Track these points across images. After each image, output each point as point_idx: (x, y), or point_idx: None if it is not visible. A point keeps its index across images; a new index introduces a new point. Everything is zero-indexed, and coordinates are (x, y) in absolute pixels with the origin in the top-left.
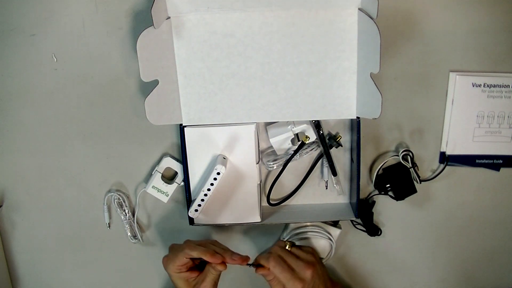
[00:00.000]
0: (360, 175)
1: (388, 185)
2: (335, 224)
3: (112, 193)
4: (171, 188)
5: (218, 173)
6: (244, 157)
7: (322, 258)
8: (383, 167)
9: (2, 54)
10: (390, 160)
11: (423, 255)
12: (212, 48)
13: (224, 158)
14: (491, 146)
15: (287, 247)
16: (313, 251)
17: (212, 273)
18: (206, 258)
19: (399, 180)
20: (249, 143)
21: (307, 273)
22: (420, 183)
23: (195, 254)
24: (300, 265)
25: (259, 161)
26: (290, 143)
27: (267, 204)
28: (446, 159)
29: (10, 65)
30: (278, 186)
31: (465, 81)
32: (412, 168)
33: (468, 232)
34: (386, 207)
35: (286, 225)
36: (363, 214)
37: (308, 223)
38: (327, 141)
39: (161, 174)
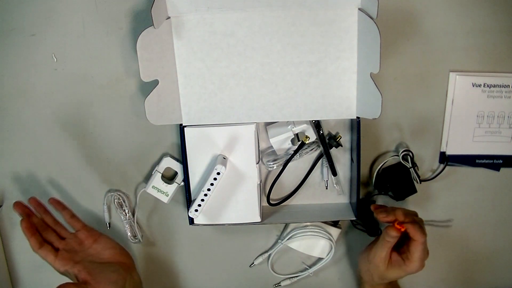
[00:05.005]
0: (360, 175)
1: (388, 185)
2: (335, 224)
3: (112, 193)
4: (171, 188)
5: (218, 173)
6: (244, 157)
7: (321, 258)
8: (383, 167)
9: (2, 54)
10: (390, 160)
11: None
12: (212, 48)
13: (224, 158)
14: (491, 146)
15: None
16: None
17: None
18: None
19: (399, 180)
20: (249, 143)
21: None
22: (420, 183)
23: None
24: None
25: (259, 161)
26: (290, 143)
27: (267, 204)
28: (446, 159)
29: (10, 65)
30: (278, 186)
31: (465, 81)
32: (412, 168)
33: (468, 232)
34: None
35: (286, 225)
36: (363, 214)
37: (308, 223)
38: (327, 141)
39: (161, 174)
